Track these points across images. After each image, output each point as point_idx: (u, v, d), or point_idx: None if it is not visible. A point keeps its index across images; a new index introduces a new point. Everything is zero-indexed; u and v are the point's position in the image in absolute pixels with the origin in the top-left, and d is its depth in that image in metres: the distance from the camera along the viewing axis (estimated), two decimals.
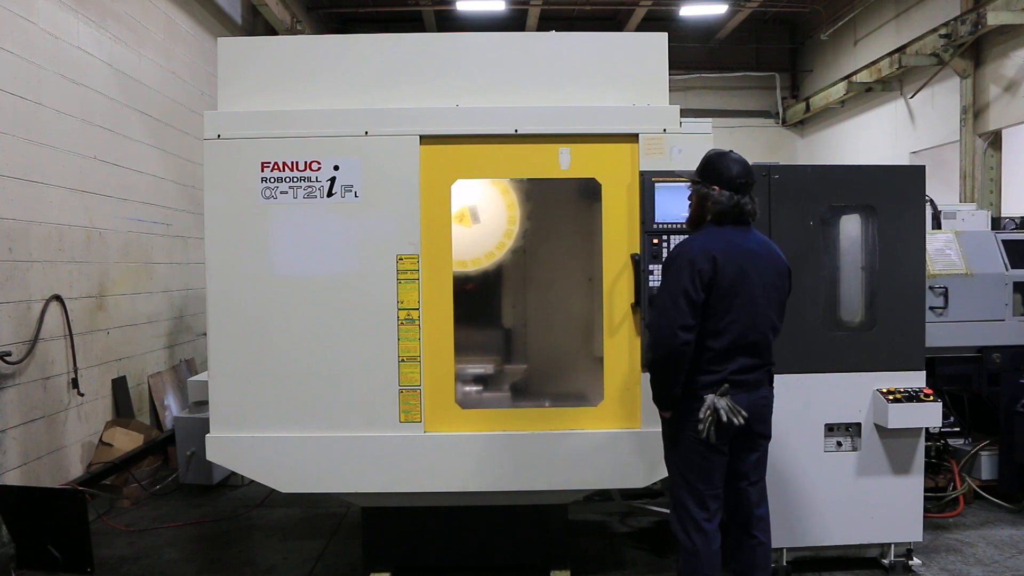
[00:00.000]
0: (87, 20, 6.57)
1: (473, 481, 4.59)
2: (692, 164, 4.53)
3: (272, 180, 4.56)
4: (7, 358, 5.24)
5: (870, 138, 14.01)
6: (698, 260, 3.75)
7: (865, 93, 13.60)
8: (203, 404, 6.67)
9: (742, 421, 3.73)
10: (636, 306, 4.60)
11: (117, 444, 6.41)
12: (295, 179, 4.56)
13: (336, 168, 4.56)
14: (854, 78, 13.39)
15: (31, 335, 5.65)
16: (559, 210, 5.21)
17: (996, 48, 10.49)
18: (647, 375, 4.54)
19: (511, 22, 14.83)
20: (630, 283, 4.62)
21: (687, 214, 4.10)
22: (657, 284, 4.55)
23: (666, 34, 4.77)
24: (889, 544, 4.89)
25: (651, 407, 4.44)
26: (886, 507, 4.83)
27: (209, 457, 4.62)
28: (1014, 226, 7.20)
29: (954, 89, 11.23)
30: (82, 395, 6.21)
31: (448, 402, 4.62)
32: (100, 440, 6.45)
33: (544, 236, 5.23)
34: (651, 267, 4.59)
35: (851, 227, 4.97)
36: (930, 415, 4.73)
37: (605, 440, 4.60)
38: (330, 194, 4.56)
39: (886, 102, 13.33)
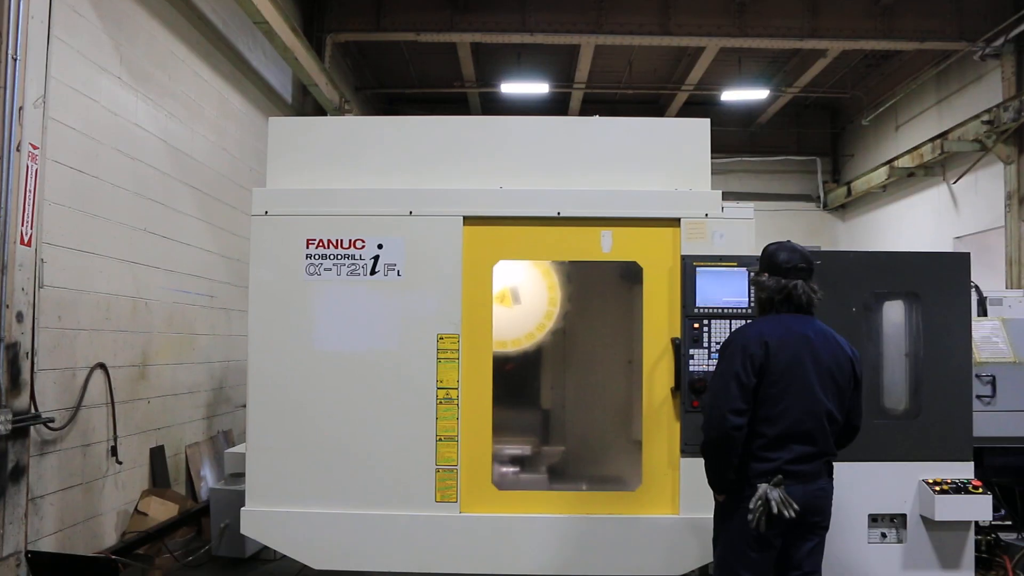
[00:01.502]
0: (145, 98, 6.82)
1: (509, 564, 4.52)
2: (734, 248, 4.61)
3: (316, 257, 4.64)
4: (50, 424, 5.30)
5: (913, 223, 13.93)
6: (750, 345, 3.75)
7: (907, 178, 13.57)
8: (239, 476, 6.67)
9: (793, 514, 3.64)
10: (676, 390, 4.56)
11: (152, 513, 6.41)
12: (339, 256, 4.64)
13: (380, 247, 4.63)
14: (896, 163, 13.38)
15: (74, 402, 5.73)
16: (599, 292, 5.22)
17: None
18: (686, 460, 4.51)
19: (554, 105, 15.11)
20: (670, 367, 4.60)
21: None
22: (698, 369, 4.54)
23: (708, 120, 4.84)
24: None
25: (691, 493, 4.41)
26: None
27: (243, 531, 4.61)
28: None
29: (998, 174, 11.17)
30: (120, 463, 6.25)
31: (485, 483, 4.58)
32: (136, 509, 6.46)
33: (584, 318, 5.24)
34: (691, 351, 4.57)
35: (895, 314, 4.91)
36: (979, 508, 4.60)
37: (644, 526, 4.52)
38: (373, 272, 4.63)
39: (928, 187, 13.28)
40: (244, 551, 6.55)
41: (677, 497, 4.55)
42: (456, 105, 15.21)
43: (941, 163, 12.53)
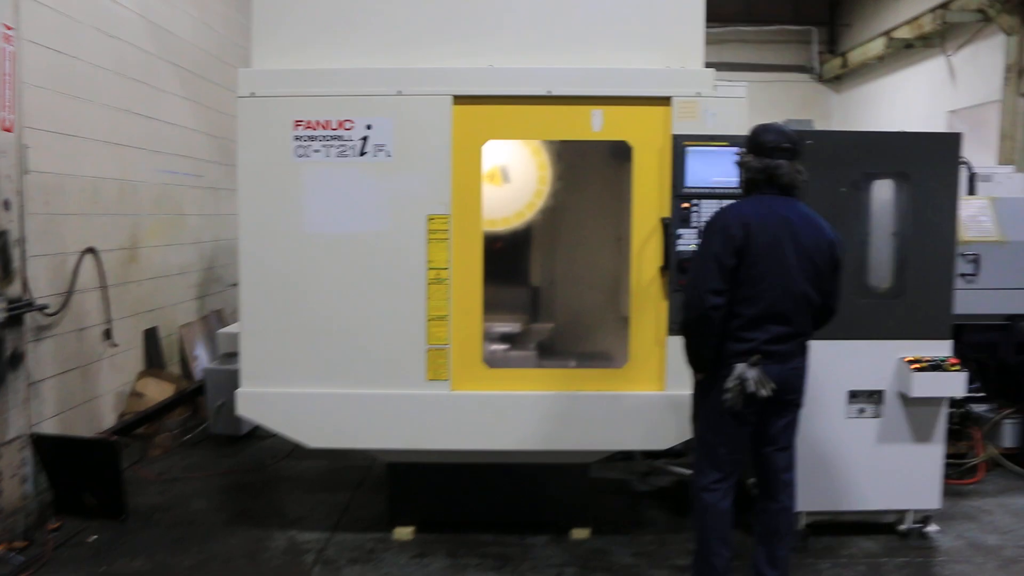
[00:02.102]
0: None
1: (498, 440, 4.66)
2: (725, 128, 4.58)
3: (305, 139, 4.58)
4: (44, 310, 5.34)
5: (907, 96, 13.73)
6: (731, 226, 3.78)
7: (905, 49, 13.29)
8: (232, 356, 6.77)
9: (769, 393, 3.76)
10: (665, 270, 4.60)
11: (149, 394, 6.54)
12: (328, 138, 4.57)
13: (369, 127, 4.57)
14: (894, 34, 13.08)
15: (66, 287, 5.75)
16: (589, 171, 5.20)
17: None
18: (673, 338, 4.59)
19: None
20: (659, 247, 4.62)
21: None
22: (686, 248, 4.57)
23: None
24: (907, 511, 4.92)
25: (676, 370, 4.51)
26: (906, 474, 4.84)
27: (239, 412, 4.71)
28: None
29: (998, 47, 10.94)
30: (116, 346, 6.33)
31: (475, 361, 4.67)
32: (132, 390, 6.59)
33: (574, 197, 5.23)
34: (680, 231, 4.58)
35: (885, 194, 4.91)
36: (954, 385, 4.73)
37: (630, 402, 4.64)
38: (362, 153, 4.58)
39: (926, 59, 13.03)
40: (240, 429, 6.75)
41: (663, 374, 4.65)
42: None
43: (941, 34, 12.25)
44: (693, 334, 3.89)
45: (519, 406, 4.62)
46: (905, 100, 13.80)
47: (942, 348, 4.82)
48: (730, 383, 3.77)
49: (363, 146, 4.58)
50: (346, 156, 4.58)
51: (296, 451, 6.32)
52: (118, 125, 6.50)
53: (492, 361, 4.76)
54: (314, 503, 5.46)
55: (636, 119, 4.61)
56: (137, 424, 6.25)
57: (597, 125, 4.63)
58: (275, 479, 5.97)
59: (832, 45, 16.73)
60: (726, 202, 4.42)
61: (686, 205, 4.59)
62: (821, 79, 16.68)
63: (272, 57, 4.66)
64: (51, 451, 5.10)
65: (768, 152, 3.87)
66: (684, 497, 5.41)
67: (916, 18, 12.44)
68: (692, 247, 4.55)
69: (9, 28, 4.80)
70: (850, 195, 4.76)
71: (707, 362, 3.90)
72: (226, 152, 8.48)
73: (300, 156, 4.59)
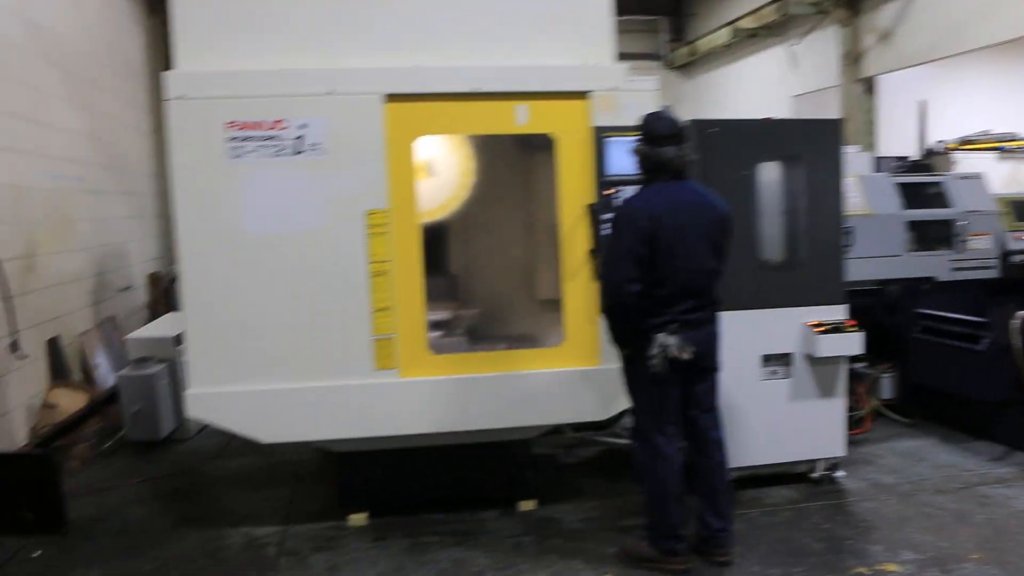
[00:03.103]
0: None
1: (447, 422, 4.88)
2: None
3: (239, 139, 4.63)
4: None
5: (755, 81, 14.71)
6: (639, 218, 4.16)
7: (749, 39, 14.24)
8: (144, 361, 6.68)
9: (690, 355, 4.15)
10: (594, 253, 4.94)
11: (62, 405, 6.35)
12: (261, 138, 4.65)
13: (303, 127, 4.67)
14: (739, 24, 13.99)
15: None
16: (516, 162, 5.45)
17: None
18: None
19: None
20: (586, 231, 4.95)
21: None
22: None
23: None
24: (817, 460, 5.48)
25: (609, 346, 4.85)
26: (814, 427, 5.38)
27: (190, 413, 4.72)
28: (899, 166, 7.91)
29: (833, 36, 11.94)
30: (25, 357, 6.11)
31: (420, 348, 4.87)
32: (44, 402, 6.38)
33: (500, 188, 5.48)
34: (605, 216, 4.92)
35: (777, 175, 5.42)
36: (853, 344, 5.29)
37: (568, 378, 4.96)
38: (298, 152, 4.67)
39: (769, 47, 14.01)
40: (158, 433, 6.64)
41: (597, 350, 4.99)
42: None
43: (782, 24, 13.21)
44: (615, 317, 4.26)
45: (468, 389, 4.85)
46: (753, 85, 14.78)
47: (839, 312, 5.38)
48: (654, 351, 4.15)
49: (298, 145, 4.68)
50: (281, 156, 4.67)
51: (224, 451, 6.30)
52: (5, 129, 6.25)
53: (438, 348, 4.97)
54: (258, 500, 5.51)
55: (558, 113, 4.90)
56: (53, 437, 6.07)
57: (522, 119, 4.90)
58: (209, 480, 5.96)
59: (679, 34, 17.63)
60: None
61: (609, 191, 4.93)
62: (671, 66, 17.55)
63: (197, 58, 4.66)
64: None
65: (658, 140, 4.24)
66: (614, 465, 5.84)
67: (759, 9, 13.35)
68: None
69: None
70: (749, 178, 5.24)
71: (631, 338, 4.27)
72: (108, 154, 8.25)
73: (235, 157, 4.63)
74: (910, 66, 10.74)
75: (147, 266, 9.44)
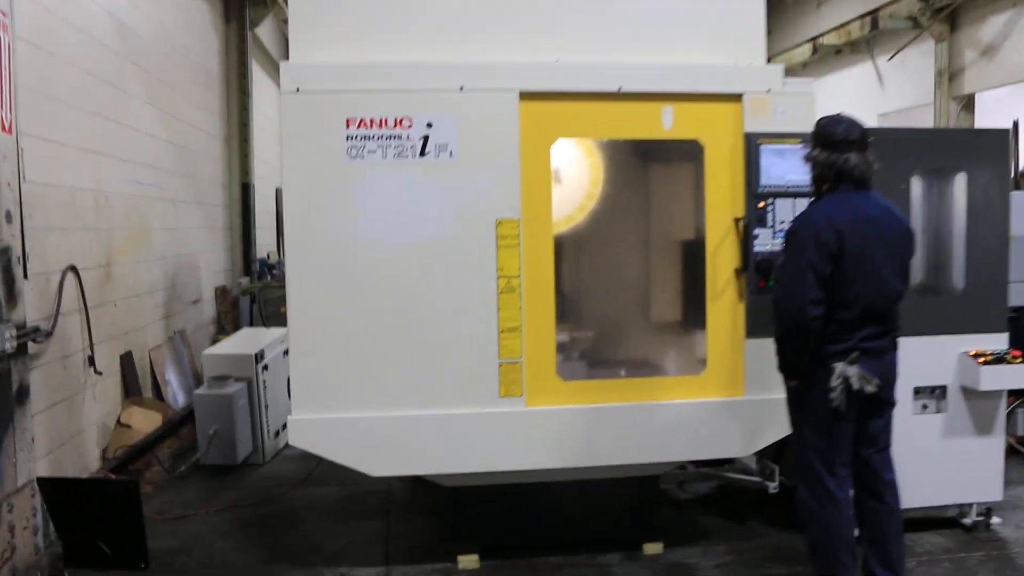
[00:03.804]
0: None
1: (576, 457, 4.38)
2: (794, 125, 4.48)
3: (359, 138, 4.19)
4: (36, 336, 4.71)
5: (836, 99, 14.11)
6: (822, 232, 3.67)
7: (832, 56, 13.70)
8: (221, 379, 6.26)
9: (874, 389, 3.66)
10: (741, 271, 4.44)
11: (136, 425, 5.93)
12: (384, 137, 4.20)
13: (429, 125, 4.22)
14: (822, 40, 13.47)
15: (51, 310, 5.12)
16: (649, 171, 4.94)
17: (972, 12, 10.66)
18: (751, 342, 4.43)
19: None
20: (734, 247, 4.46)
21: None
22: (763, 249, 4.42)
23: None
24: (970, 504, 4.91)
25: (755, 375, 4.37)
26: (968, 467, 4.84)
27: (291, 441, 4.26)
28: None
29: (926, 53, 11.39)
30: (100, 373, 5.69)
31: (549, 374, 4.38)
32: (118, 421, 5.95)
33: (630, 199, 4.95)
34: (756, 231, 4.43)
35: (938, 190, 4.89)
36: (1019, 376, 4.74)
37: (710, 410, 4.45)
38: (423, 153, 4.22)
39: (853, 64, 13.47)
40: (235, 457, 6.22)
41: (742, 379, 4.48)
42: None
43: (868, 40, 12.68)
44: (790, 344, 3.77)
45: (599, 420, 4.35)
46: (832, 104, 14.16)
47: (999, 341, 4.83)
48: (834, 382, 3.67)
49: (424, 145, 4.23)
50: (405, 157, 4.22)
51: (305, 478, 5.83)
52: (91, 130, 5.88)
53: (566, 374, 4.47)
54: (349, 533, 5.03)
55: (707, 116, 4.44)
56: (127, 459, 5.64)
57: (668, 123, 4.43)
58: (291, 510, 5.48)
59: None
60: (803, 200, 4.33)
61: (762, 204, 4.44)
62: None
63: (316, 49, 4.25)
64: (58, 496, 4.49)
65: (837, 146, 3.76)
66: (737, 502, 5.30)
67: (844, 24, 12.83)
68: (769, 247, 4.41)
69: (4, 14, 4.21)
70: (906, 192, 4.72)
71: (804, 368, 3.77)
72: (184, 161, 7.88)
73: (354, 157, 4.19)
74: (1017, 82, 10.13)
75: (215, 278, 9.04)
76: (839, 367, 3.66)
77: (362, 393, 4.24)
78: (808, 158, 3.85)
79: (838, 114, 3.90)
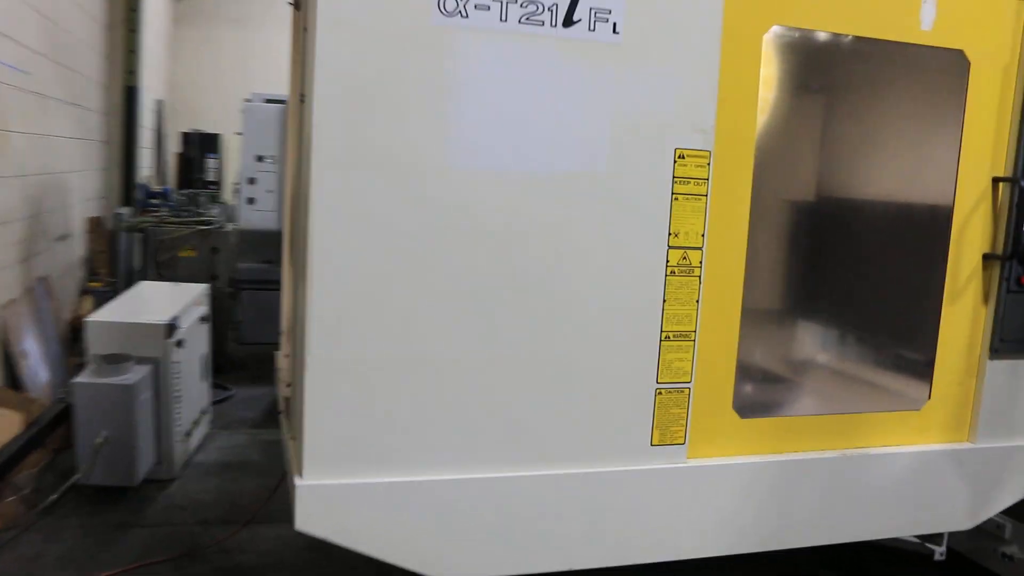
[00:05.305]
0: None
1: (758, 538, 2.76)
2: None
3: None
4: None
5: None
6: None
7: None
8: (116, 360, 4.23)
9: None
10: (998, 258, 2.92)
11: None
12: None
13: None
14: None
15: None
16: (893, 95, 3.23)
17: None
18: (994, 363, 2.96)
19: None
20: (989, 222, 2.92)
21: None
22: None
23: None
24: None
25: (993, 412, 2.94)
26: None
27: (299, 526, 2.39)
28: None
29: None
30: None
31: (723, 408, 2.72)
32: None
33: (862, 134, 3.24)
34: None
35: None
36: None
37: (929, 461, 2.95)
38: (568, 23, 2.42)
39: None
40: (134, 476, 4.25)
41: (972, 417, 2.99)
42: None
43: None
44: None
45: (787, 479, 2.74)
46: None
47: None
48: None
49: (570, 9, 2.43)
50: (538, 23, 2.40)
51: (235, 508, 3.95)
52: None
53: (744, 407, 2.80)
54: None
55: (978, 17, 2.86)
56: None
57: (927, 20, 2.81)
58: (236, 571, 3.60)
59: None
60: None
61: None
62: None
63: None
64: None
65: None
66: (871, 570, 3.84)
67: None
68: None
69: None
70: None
71: None
72: (58, 42, 5.63)
73: (450, 13, 2.34)
74: None
75: (87, 207, 6.77)
76: None
77: (423, 440, 2.43)
78: None
79: None
